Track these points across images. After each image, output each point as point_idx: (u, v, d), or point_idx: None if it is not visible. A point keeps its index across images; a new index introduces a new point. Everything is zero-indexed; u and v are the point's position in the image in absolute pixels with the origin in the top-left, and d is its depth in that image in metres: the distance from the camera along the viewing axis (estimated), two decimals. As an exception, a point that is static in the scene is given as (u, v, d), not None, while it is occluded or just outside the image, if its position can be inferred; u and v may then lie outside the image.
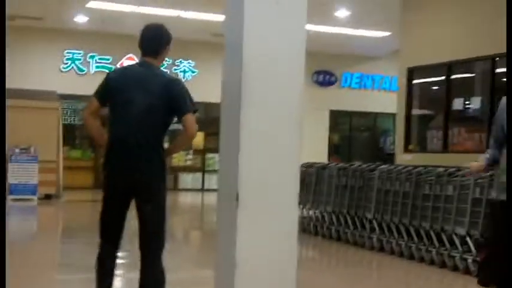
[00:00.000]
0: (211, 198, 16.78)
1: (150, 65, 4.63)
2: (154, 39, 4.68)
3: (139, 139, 4.43)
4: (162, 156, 4.52)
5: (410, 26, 13.44)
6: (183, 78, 20.40)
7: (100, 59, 20.22)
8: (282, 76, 4.42)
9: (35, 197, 15.24)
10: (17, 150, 15.35)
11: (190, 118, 4.49)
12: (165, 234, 4.50)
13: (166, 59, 4.92)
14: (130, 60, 20.45)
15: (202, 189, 20.66)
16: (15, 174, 15.21)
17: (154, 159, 4.48)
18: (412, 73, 13.31)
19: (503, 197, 4.46)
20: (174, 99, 4.51)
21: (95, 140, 4.93)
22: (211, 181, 20.21)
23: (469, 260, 7.34)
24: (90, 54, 20.15)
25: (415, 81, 13.42)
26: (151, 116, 4.48)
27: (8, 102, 15.55)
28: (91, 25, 19.00)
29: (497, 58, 11.13)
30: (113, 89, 4.65)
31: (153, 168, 4.46)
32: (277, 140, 4.41)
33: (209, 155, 20.98)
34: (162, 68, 4.74)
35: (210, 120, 19.69)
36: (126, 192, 4.51)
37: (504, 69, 11.08)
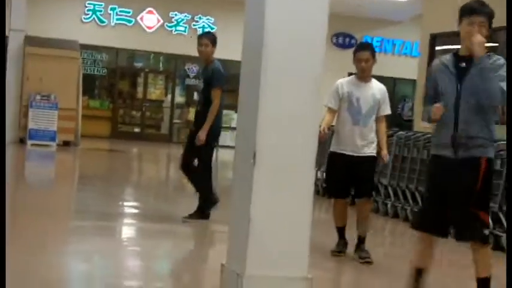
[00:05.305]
0: (225, 155, 16.87)
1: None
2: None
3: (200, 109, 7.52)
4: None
5: (435, -10, 13.26)
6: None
7: (120, 11, 20.19)
8: (303, 40, 4.41)
9: (53, 143, 15.43)
10: (37, 97, 15.49)
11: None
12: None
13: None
14: (150, 14, 20.44)
15: (217, 145, 20.72)
16: (35, 119, 15.38)
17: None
18: (434, 39, 13.17)
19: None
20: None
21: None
22: (226, 137, 20.27)
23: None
24: (111, 6, 20.12)
25: (437, 48, 13.29)
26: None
27: (31, 50, 15.70)
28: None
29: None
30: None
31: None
32: (296, 101, 4.42)
33: (225, 111, 20.97)
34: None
35: (227, 77, 19.60)
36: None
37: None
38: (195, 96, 18.02)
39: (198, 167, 7.45)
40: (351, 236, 6.35)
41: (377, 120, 6.29)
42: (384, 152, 6.30)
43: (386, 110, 6.33)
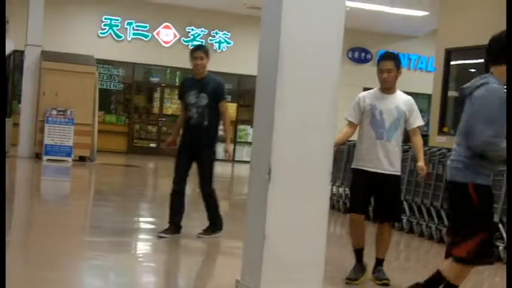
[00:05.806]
0: (241, 170, 16.87)
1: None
2: None
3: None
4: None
5: (450, 6, 13.24)
6: (219, 49, 20.41)
7: (137, 26, 20.31)
8: (319, 55, 4.42)
9: (69, 159, 15.51)
10: (54, 112, 15.58)
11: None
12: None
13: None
14: (166, 28, 20.55)
15: (233, 160, 20.76)
16: (51, 135, 15.47)
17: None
18: (449, 54, 13.13)
19: None
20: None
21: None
22: (242, 152, 20.29)
23: (500, 248, 7.28)
24: (128, 21, 20.25)
25: (452, 63, 13.26)
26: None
27: (47, 65, 15.72)
28: (130, -8, 19.07)
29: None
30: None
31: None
32: (312, 115, 4.42)
33: (241, 127, 21.04)
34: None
35: (243, 91, 19.80)
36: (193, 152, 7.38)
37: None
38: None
39: (206, 186, 7.40)
40: (368, 254, 6.30)
41: (410, 133, 5.91)
42: (420, 164, 5.80)
43: (417, 121, 5.88)
